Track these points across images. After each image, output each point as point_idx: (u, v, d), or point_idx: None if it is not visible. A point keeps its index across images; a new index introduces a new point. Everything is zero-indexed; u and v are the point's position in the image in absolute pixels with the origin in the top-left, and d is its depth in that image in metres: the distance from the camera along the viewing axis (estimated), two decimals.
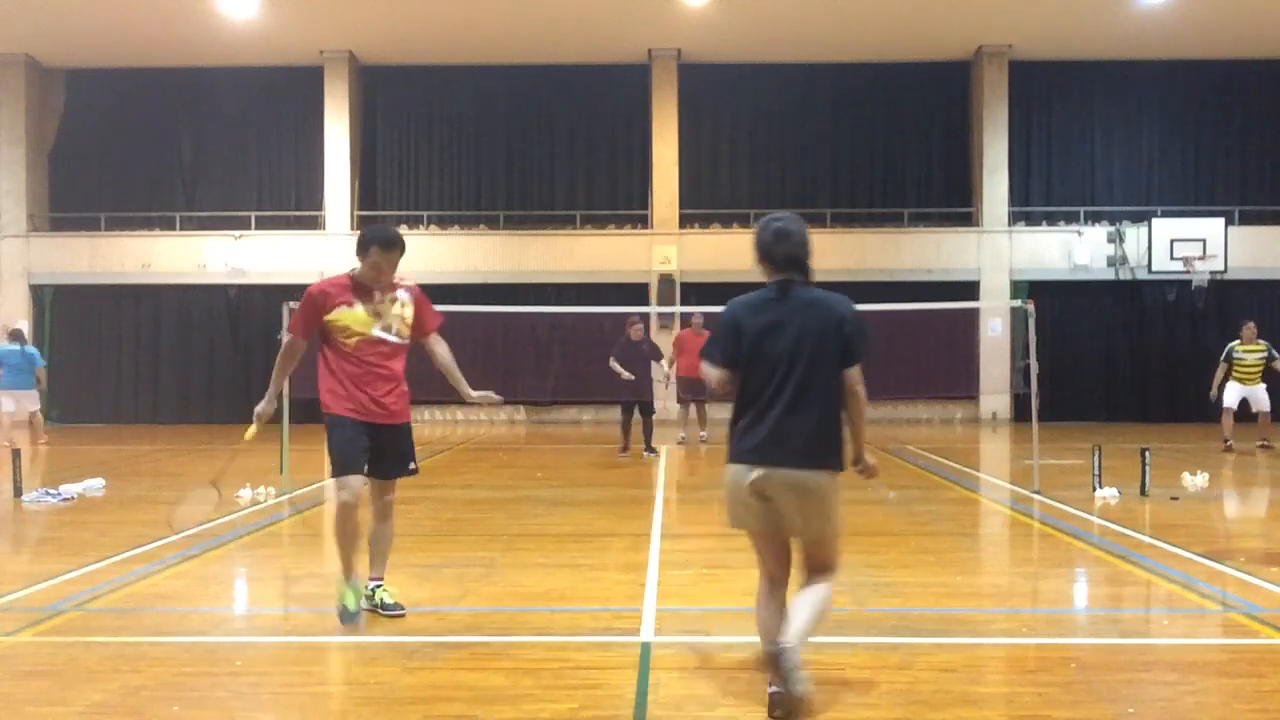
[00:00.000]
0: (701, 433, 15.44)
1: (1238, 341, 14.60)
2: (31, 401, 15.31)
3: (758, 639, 4.28)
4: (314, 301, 5.41)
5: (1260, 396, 14.51)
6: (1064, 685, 4.45)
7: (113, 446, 16.00)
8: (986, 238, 20.66)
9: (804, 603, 4.13)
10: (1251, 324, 14.68)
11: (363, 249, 5.40)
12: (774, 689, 3.96)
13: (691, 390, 14.80)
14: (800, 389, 4.05)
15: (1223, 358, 14.66)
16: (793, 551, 4.26)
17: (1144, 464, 9.87)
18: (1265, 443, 14.39)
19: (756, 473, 4.08)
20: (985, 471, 12.75)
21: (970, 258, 20.63)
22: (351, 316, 5.36)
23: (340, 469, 5.35)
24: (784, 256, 4.16)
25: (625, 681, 4.49)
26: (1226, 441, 14.18)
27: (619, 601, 5.95)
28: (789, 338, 4.07)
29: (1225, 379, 14.61)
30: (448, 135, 21.70)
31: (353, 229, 20.99)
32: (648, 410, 13.88)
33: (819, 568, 4.24)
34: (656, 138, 21.01)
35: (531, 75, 21.22)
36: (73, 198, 21.52)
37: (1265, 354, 14.43)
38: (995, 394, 20.52)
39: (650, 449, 13.69)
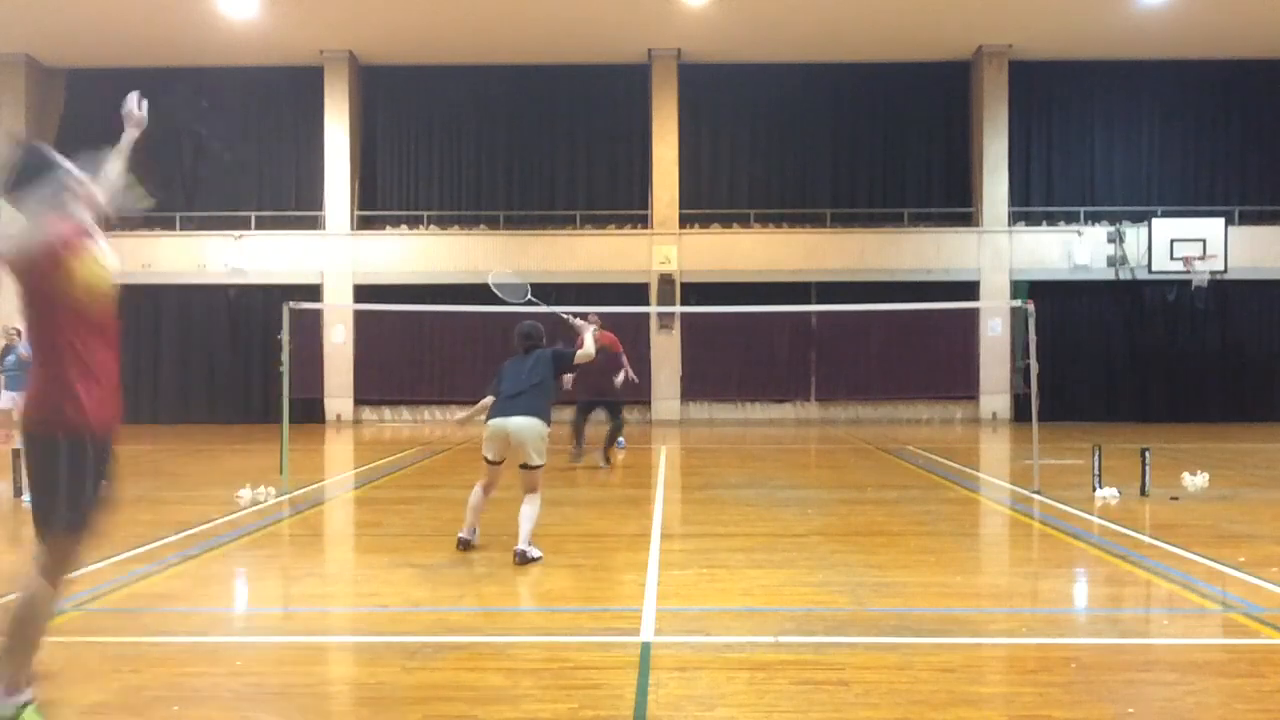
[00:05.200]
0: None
1: None
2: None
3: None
4: None
5: None
6: (1064, 685, 4.45)
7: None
8: (986, 238, 20.66)
9: None
10: None
11: None
12: None
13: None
14: None
15: None
16: None
17: (1144, 464, 9.88)
18: None
19: None
20: (985, 471, 12.73)
21: (970, 258, 20.62)
22: None
23: None
24: None
25: (625, 681, 4.48)
26: None
27: (619, 601, 5.94)
28: None
29: None
30: (448, 135, 21.70)
31: (353, 229, 21.00)
32: (615, 412, 12.95)
33: None
34: (656, 138, 21.01)
35: (531, 75, 21.22)
36: None
37: None
38: (995, 394, 20.53)
39: (606, 459, 12.68)
